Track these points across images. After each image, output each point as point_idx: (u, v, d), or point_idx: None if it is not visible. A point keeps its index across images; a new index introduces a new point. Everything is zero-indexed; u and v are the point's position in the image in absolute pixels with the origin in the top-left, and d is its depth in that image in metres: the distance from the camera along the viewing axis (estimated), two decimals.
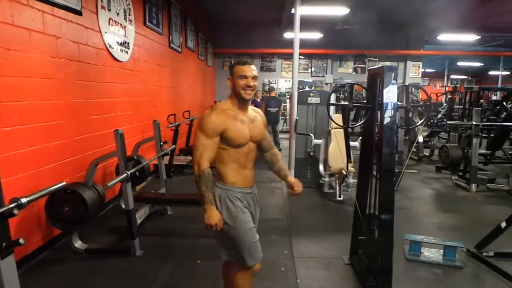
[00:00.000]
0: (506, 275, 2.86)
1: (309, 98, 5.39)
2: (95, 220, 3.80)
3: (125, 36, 4.64)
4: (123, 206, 3.27)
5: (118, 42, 4.43)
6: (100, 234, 3.59)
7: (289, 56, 5.52)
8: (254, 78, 1.89)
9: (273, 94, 8.90)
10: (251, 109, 2.02)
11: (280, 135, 9.57)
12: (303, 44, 8.91)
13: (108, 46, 4.16)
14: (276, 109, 8.47)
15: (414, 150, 7.96)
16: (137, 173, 3.45)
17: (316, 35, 10.41)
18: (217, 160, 1.95)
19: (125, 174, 2.95)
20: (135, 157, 3.39)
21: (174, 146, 5.22)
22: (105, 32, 4.09)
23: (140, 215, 3.56)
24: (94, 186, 3.11)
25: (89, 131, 3.83)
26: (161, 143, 4.15)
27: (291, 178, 2.12)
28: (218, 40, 11.74)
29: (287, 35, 10.05)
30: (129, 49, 4.75)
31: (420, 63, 12.57)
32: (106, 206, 4.25)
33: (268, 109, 8.36)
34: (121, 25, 4.50)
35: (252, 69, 1.90)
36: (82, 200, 2.81)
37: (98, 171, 3.98)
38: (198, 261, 3.06)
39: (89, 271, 2.88)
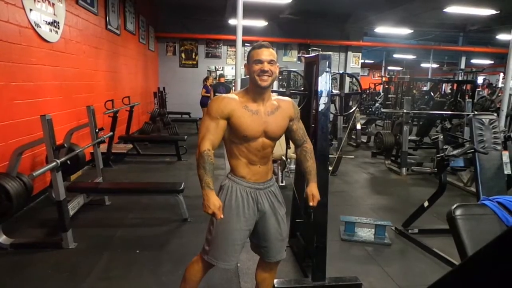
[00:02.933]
0: (428, 249, 3.14)
1: None
2: (23, 213, 3.57)
3: (55, 14, 4.28)
4: (54, 197, 3.06)
5: (46, 21, 4.08)
6: (29, 228, 3.35)
7: (234, 43, 5.47)
8: (271, 62, 1.71)
9: (222, 80, 8.91)
10: (273, 100, 1.83)
11: None
12: (248, 31, 8.91)
13: (34, 25, 3.82)
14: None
15: (353, 137, 8.39)
16: (68, 162, 3.24)
17: (260, 23, 10.45)
18: (227, 154, 1.85)
19: (54, 163, 2.76)
20: (65, 145, 3.17)
21: (111, 133, 4.97)
22: (30, 9, 3.75)
23: (73, 206, 3.37)
24: (19, 176, 2.87)
25: (13, 117, 3.52)
26: (97, 130, 3.94)
27: (312, 187, 1.96)
28: (161, 24, 11.31)
29: (232, 21, 9.96)
30: (59, 29, 4.41)
31: (360, 54, 13.15)
32: (36, 198, 3.96)
33: (216, 94, 8.33)
34: (49, 2, 4.14)
35: (269, 53, 1.72)
36: (4, 191, 2.59)
37: (27, 161, 3.70)
38: (137, 251, 2.98)
39: (15, 268, 2.68)
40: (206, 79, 9.56)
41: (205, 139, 1.71)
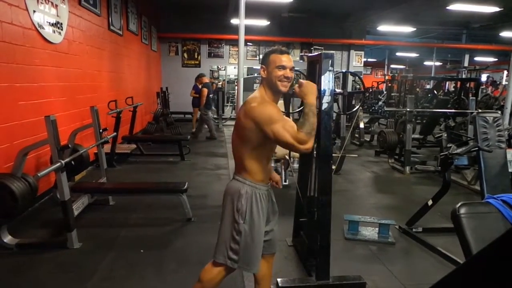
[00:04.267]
0: (432, 248, 3.13)
1: (255, 85, 5.42)
2: (28, 213, 3.59)
3: (58, 16, 4.30)
4: (59, 197, 3.08)
5: (49, 22, 4.10)
6: (34, 228, 3.37)
7: (236, 42, 5.46)
8: (292, 69, 1.78)
9: (205, 80, 8.50)
10: None
11: (228, 122, 9.62)
12: (250, 30, 8.91)
13: (37, 26, 3.84)
14: (212, 95, 8.37)
15: (357, 135, 8.37)
16: (72, 162, 3.26)
17: (263, 22, 10.44)
18: (248, 157, 1.79)
19: (58, 163, 2.78)
20: (69, 145, 3.19)
21: (115, 133, 4.99)
22: (34, 11, 3.77)
23: (77, 206, 3.38)
24: (24, 177, 2.89)
25: (18, 118, 3.54)
26: (100, 131, 3.96)
27: (274, 174, 2.11)
28: (163, 24, 11.33)
29: (234, 21, 9.96)
30: (62, 30, 4.43)
31: (363, 52, 13.11)
32: (41, 198, 3.98)
33: (210, 95, 8.25)
34: (52, 3, 4.16)
35: (290, 59, 1.78)
36: (10, 191, 2.61)
37: (32, 161, 3.73)
38: (141, 251, 3.00)
39: (21, 267, 2.70)
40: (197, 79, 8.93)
41: (293, 131, 1.72)
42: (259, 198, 1.82)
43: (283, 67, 1.74)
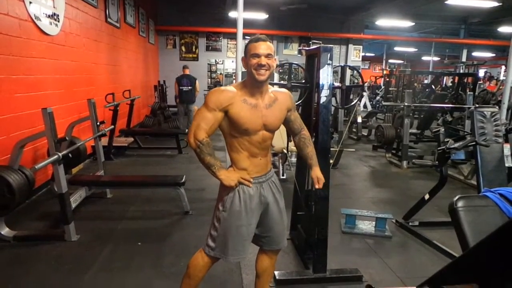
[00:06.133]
0: (428, 242, 3.16)
1: None
2: (25, 206, 3.58)
3: (54, 7, 4.26)
4: (56, 190, 3.07)
5: (46, 14, 4.06)
6: (32, 220, 3.37)
7: (235, 36, 5.43)
8: (268, 56, 1.69)
9: (186, 72, 8.26)
10: (271, 93, 1.83)
11: None
12: (249, 24, 8.85)
13: (34, 18, 3.81)
14: (190, 87, 8.04)
15: (354, 130, 8.38)
16: (70, 155, 3.24)
17: (261, 16, 10.38)
18: (228, 148, 1.85)
19: (56, 156, 2.77)
20: (66, 138, 3.18)
21: (112, 126, 4.98)
22: (30, 2, 3.73)
23: (75, 199, 3.38)
24: (21, 169, 2.88)
25: (14, 111, 3.52)
26: (98, 123, 3.94)
27: (316, 171, 2.00)
28: (161, 16, 11.25)
29: (232, 14, 9.90)
30: (59, 21, 4.38)
31: (361, 47, 13.08)
32: (38, 191, 3.98)
33: (181, 88, 7.96)
34: None
35: (267, 47, 1.70)
36: (7, 184, 2.60)
37: (29, 154, 3.72)
38: (139, 243, 3.00)
39: (18, 260, 2.70)
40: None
41: (200, 129, 1.72)
42: (242, 188, 1.80)
43: (257, 55, 1.69)
